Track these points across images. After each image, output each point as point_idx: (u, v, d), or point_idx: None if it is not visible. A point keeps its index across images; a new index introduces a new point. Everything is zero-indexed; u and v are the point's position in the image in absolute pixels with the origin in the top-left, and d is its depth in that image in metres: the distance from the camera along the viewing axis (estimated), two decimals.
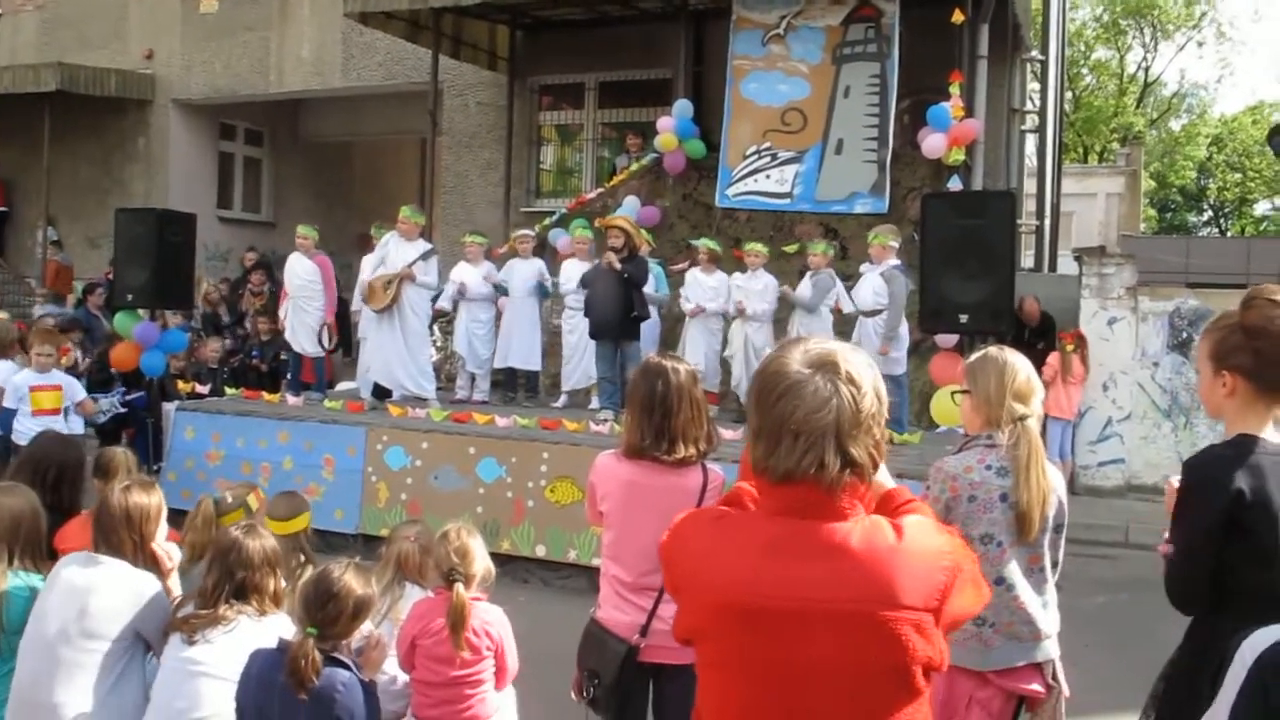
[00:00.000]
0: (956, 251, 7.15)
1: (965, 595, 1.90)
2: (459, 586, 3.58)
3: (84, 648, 3.33)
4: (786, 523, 1.86)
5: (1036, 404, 3.32)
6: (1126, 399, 10.84)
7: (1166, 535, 2.93)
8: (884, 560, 1.82)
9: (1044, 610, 3.32)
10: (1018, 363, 3.35)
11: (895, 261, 8.79)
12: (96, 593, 3.40)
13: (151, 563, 3.58)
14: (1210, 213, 48.04)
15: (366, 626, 3.25)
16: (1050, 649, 3.32)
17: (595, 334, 9.29)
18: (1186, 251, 28.86)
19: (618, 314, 9.11)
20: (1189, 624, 2.90)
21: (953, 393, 3.59)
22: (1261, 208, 46.60)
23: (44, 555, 3.81)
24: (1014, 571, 3.27)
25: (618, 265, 9.05)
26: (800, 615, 1.81)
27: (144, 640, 3.45)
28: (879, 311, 8.70)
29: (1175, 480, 2.94)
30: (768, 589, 1.82)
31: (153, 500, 3.65)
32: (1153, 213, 44.97)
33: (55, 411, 7.79)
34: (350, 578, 3.14)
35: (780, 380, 1.87)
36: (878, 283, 8.77)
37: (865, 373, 1.88)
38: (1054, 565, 3.38)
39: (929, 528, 1.94)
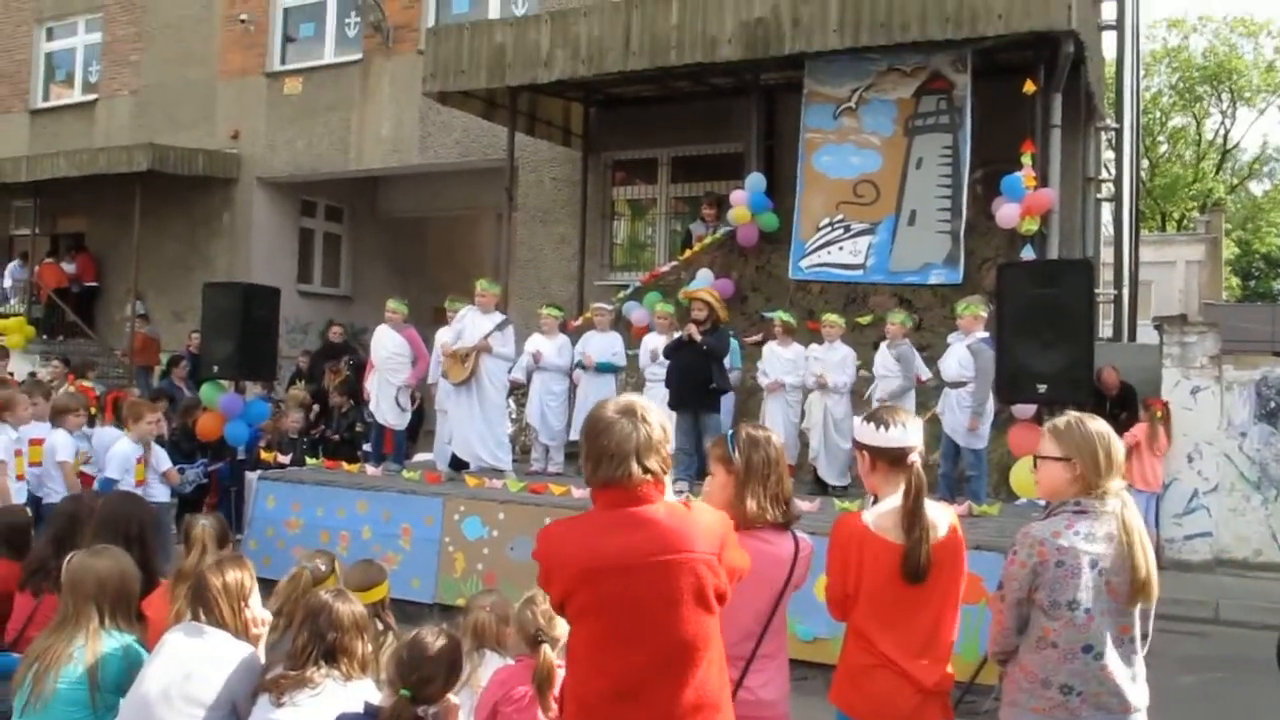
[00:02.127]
0: (1034, 321, 7.08)
1: (735, 551, 2.87)
2: (546, 648, 3.60)
3: (182, 711, 3.40)
4: (614, 512, 2.76)
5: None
6: (1213, 470, 10.59)
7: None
8: (679, 524, 2.75)
9: (1133, 683, 3.25)
10: (1109, 432, 3.35)
11: (983, 334, 8.66)
12: (200, 660, 3.49)
13: (243, 630, 3.67)
14: None
15: None
16: None
17: (675, 405, 9.32)
18: (1273, 319, 28.18)
19: (697, 385, 9.15)
20: None
21: (1036, 458, 3.55)
22: None
23: (134, 616, 3.91)
24: (1102, 640, 3.22)
25: (698, 336, 9.12)
26: (629, 568, 2.69)
27: (237, 710, 3.52)
28: (964, 384, 8.60)
29: None
30: (608, 554, 2.70)
31: (245, 575, 3.77)
32: (1235, 280, 44.11)
33: (141, 482, 7.97)
34: (443, 644, 3.19)
35: (600, 422, 2.79)
36: (963, 354, 8.62)
37: (655, 416, 2.82)
38: (1143, 638, 3.31)
39: (706, 507, 2.97)
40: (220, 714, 3.46)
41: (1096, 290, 9.22)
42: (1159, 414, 10.47)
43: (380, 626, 4.23)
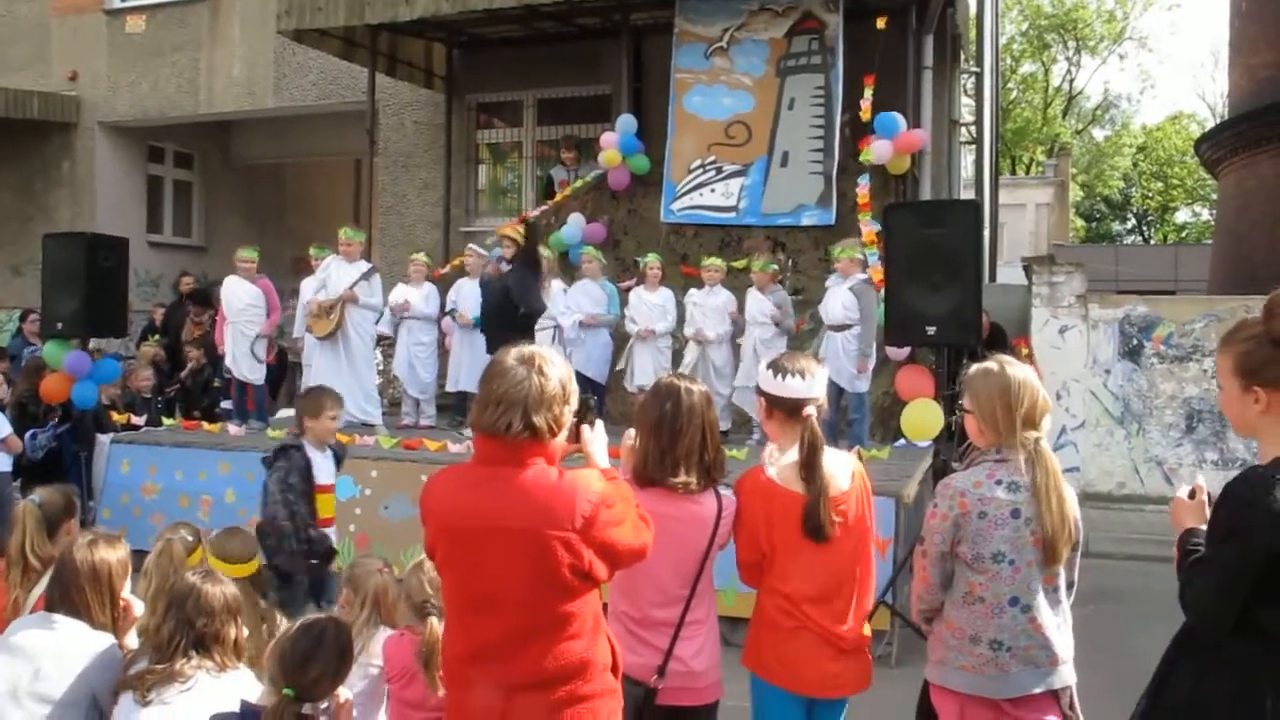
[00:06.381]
0: (921, 263, 7.00)
1: (623, 529, 2.63)
2: (434, 620, 3.34)
3: (34, 712, 3.02)
4: (484, 469, 2.65)
5: (1047, 421, 3.18)
6: (1080, 407, 10.83)
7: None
8: (541, 494, 2.57)
9: (1059, 632, 3.16)
10: (1024, 381, 3.17)
11: (863, 275, 8.61)
12: (51, 655, 3.10)
13: (112, 623, 3.29)
14: (1134, 221, 48.93)
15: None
16: (1067, 675, 3.16)
17: (490, 348, 8.92)
18: (1116, 260, 29.29)
19: (506, 320, 8.55)
20: (1198, 648, 2.57)
21: (958, 407, 3.42)
22: (1182, 215, 47.54)
23: None
24: (1031, 592, 3.11)
25: (503, 269, 8.77)
26: (482, 530, 2.59)
27: (99, 703, 3.15)
28: (848, 326, 8.54)
29: (1185, 490, 2.74)
30: (464, 514, 2.63)
31: (118, 554, 3.36)
32: (1080, 222, 45.64)
33: None
34: (331, 633, 2.89)
35: (497, 367, 2.66)
36: (847, 297, 8.58)
37: (556, 369, 2.66)
38: (1069, 586, 3.23)
39: (592, 477, 2.65)
40: (79, 711, 3.09)
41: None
42: (1025, 351, 10.61)
43: (263, 604, 3.87)
